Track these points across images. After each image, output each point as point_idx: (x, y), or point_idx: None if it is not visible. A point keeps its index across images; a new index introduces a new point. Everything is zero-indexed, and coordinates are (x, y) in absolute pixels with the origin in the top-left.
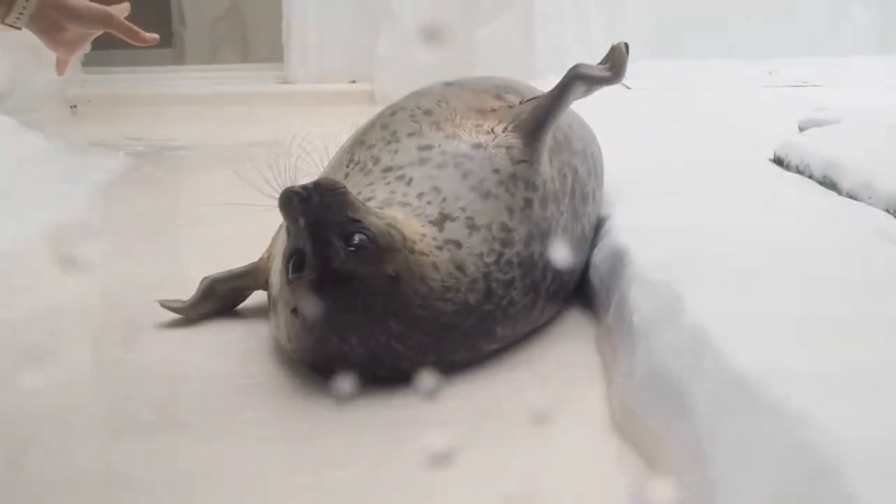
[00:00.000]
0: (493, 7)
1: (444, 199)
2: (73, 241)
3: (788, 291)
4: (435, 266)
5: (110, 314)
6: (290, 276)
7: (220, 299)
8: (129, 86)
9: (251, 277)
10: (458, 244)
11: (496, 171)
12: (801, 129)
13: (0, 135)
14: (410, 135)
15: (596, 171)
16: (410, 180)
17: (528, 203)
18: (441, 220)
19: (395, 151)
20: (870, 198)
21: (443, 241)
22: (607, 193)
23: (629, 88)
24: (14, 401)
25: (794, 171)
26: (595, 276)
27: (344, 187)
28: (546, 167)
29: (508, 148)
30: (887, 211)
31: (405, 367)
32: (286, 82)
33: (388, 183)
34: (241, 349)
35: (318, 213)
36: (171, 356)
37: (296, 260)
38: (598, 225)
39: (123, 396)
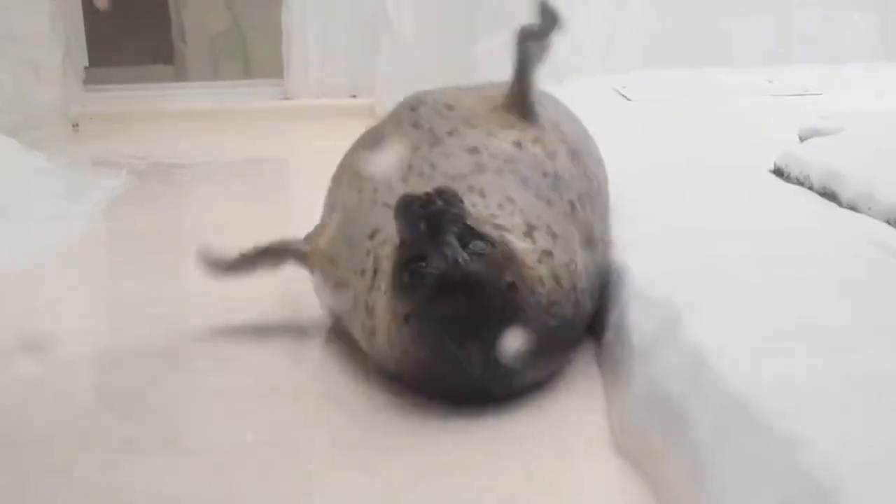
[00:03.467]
0: (493, 20)
1: (521, 210)
2: (76, 260)
3: (788, 306)
4: (541, 279)
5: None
6: (405, 281)
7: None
8: (131, 103)
9: (302, 261)
10: (551, 255)
11: (545, 174)
12: (802, 139)
13: (1, 154)
14: (450, 134)
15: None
16: (482, 191)
17: (572, 205)
18: (530, 231)
19: (447, 156)
20: (870, 209)
21: (539, 252)
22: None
23: (629, 100)
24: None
25: (794, 182)
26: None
27: (459, 195)
28: (568, 163)
29: (539, 142)
30: (887, 222)
31: (513, 383)
32: (287, 98)
33: (462, 194)
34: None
35: (440, 218)
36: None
37: (411, 268)
38: None
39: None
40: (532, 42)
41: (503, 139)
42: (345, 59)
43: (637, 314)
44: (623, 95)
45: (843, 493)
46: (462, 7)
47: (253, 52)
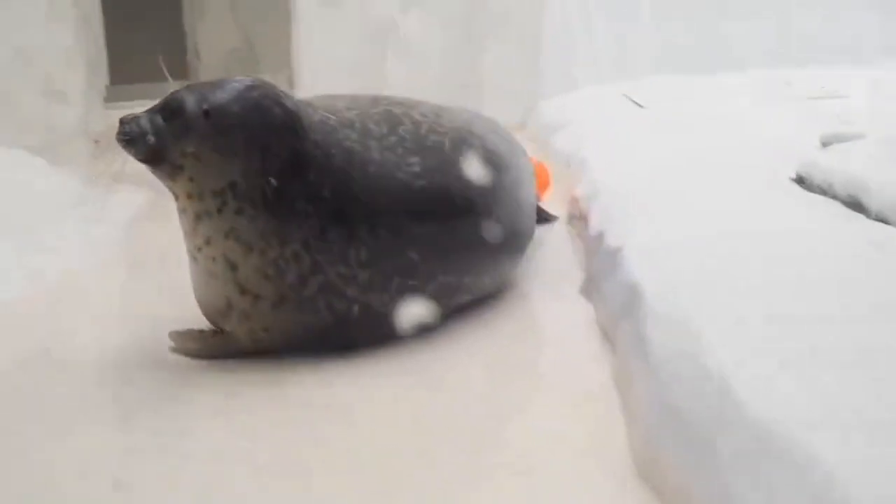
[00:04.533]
0: (500, 30)
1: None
2: (99, 276)
3: (813, 328)
4: None
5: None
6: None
7: None
8: None
9: None
10: None
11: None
12: (824, 145)
13: (25, 173)
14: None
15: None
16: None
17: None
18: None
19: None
20: None
21: None
22: (621, 217)
23: (642, 107)
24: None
25: (816, 191)
26: (610, 305)
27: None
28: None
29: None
30: None
31: None
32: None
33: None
34: None
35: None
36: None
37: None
38: (611, 250)
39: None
40: None
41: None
42: (353, 70)
43: (654, 331)
44: (634, 101)
45: None
46: (467, 18)
47: (265, 68)
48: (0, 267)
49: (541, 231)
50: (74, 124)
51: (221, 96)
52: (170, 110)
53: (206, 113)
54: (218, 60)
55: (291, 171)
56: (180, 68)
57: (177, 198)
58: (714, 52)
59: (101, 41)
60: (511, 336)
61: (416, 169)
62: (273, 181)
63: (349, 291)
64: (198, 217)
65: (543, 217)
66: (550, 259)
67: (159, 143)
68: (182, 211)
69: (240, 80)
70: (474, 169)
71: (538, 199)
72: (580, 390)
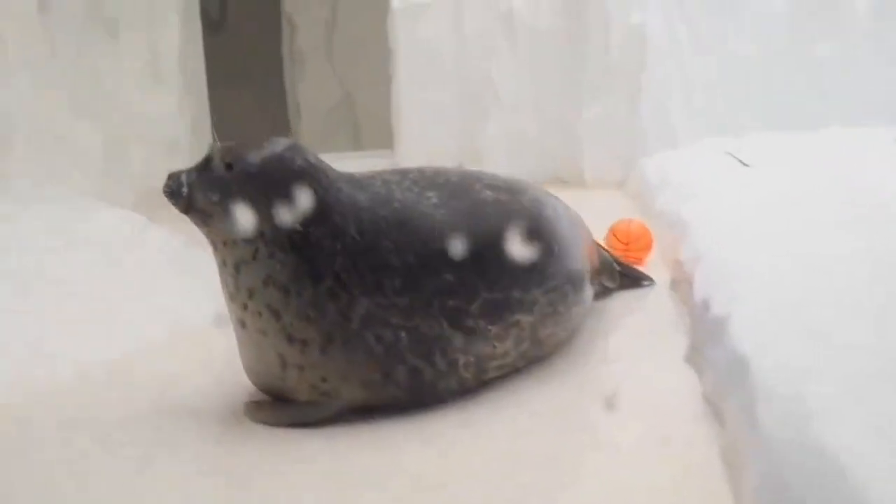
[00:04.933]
0: (599, 87)
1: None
2: (202, 334)
3: None
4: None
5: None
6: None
7: None
8: None
9: None
10: None
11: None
12: None
13: (128, 232)
14: None
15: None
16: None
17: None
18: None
19: None
20: None
21: None
22: (727, 283)
23: (746, 166)
24: None
25: None
26: (716, 376)
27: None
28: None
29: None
30: None
31: None
32: (397, 167)
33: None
34: None
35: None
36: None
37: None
38: (717, 318)
39: None
40: None
41: None
42: (452, 128)
43: (764, 409)
44: (739, 160)
45: None
46: (566, 75)
47: (364, 124)
48: (106, 325)
49: (639, 295)
50: None
51: (245, 150)
52: (201, 164)
53: (229, 165)
54: (318, 118)
55: (315, 216)
56: (282, 127)
57: (215, 248)
58: (818, 108)
59: (205, 101)
60: (599, 411)
61: (435, 200)
62: (299, 228)
63: (393, 319)
64: (237, 267)
65: (638, 279)
66: (652, 323)
67: (190, 193)
68: (222, 264)
69: (270, 140)
70: (487, 193)
71: (638, 261)
72: (684, 465)
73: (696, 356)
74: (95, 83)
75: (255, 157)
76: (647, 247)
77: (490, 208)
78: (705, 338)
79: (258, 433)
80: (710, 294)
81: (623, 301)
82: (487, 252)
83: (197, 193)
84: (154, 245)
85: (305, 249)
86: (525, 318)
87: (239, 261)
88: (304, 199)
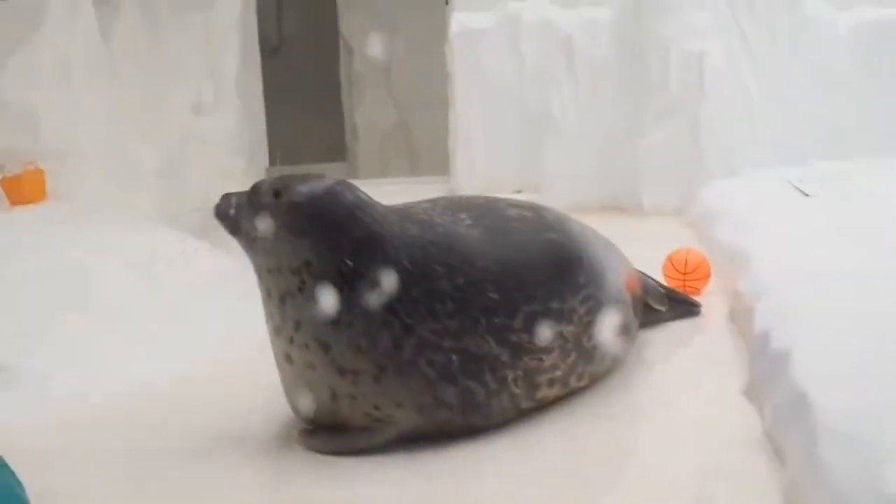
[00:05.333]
0: (659, 114)
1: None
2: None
3: None
4: None
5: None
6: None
7: None
8: None
9: None
10: None
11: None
12: None
13: (192, 257)
14: None
15: None
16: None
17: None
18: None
19: None
20: None
21: None
22: (788, 317)
23: (807, 196)
24: None
25: None
26: (776, 412)
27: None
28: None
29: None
30: None
31: None
32: (453, 194)
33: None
34: None
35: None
36: None
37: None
38: (777, 353)
39: None
40: None
41: None
42: (509, 155)
43: (827, 449)
44: (799, 189)
45: None
46: (626, 104)
47: (421, 149)
48: (163, 347)
49: (696, 325)
50: None
51: (294, 181)
52: (252, 189)
53: (277, 193)
54: (375, 142)
55: (367, 249)
56: (338, 150)
57: (260, 276)
58: (881, 137)
59: (263, 125)
60: (663, 438)
61: (468, 221)
62: (349, 262)
63: (445, 343)
64: (282, 299)
65: (687, 303)
66: (708, 354)
67: (237, 215)
68: (267, 295)
69: (319, 175)
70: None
71: (695, 291)
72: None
73: (755, 390)
74: (155, 106)
75: (304, 187)
76: (706, 277)
77: (518, 224)
78: (765, 372)
79: (311, 461)
80: (770, 327)
81: (678, 331)
82: (522, 266)
83: (243, 217)
84: (208, 268)
85: (357, 281)
86: (566, 329)
87: (284, 292)
88: (357, 232)
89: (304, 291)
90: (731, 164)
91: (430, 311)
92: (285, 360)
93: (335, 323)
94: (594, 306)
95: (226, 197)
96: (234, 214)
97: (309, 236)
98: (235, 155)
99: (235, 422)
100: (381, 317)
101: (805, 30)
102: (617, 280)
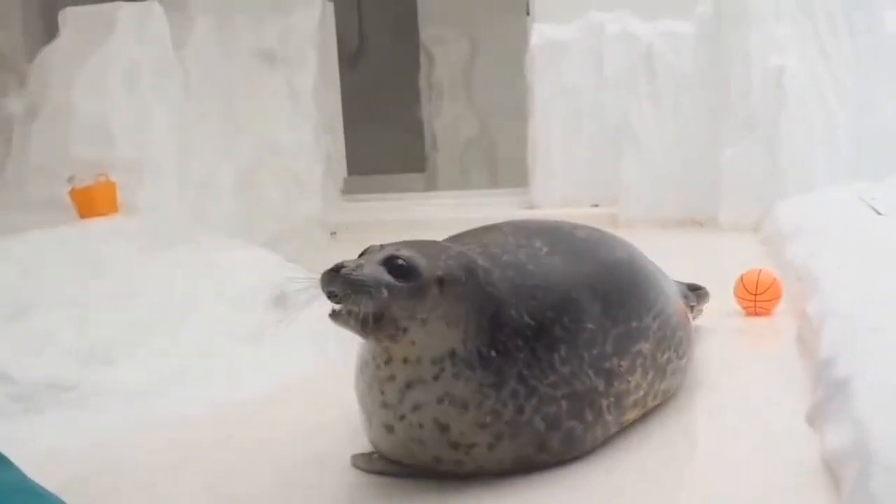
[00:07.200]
0: (739, 128)
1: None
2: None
3: None
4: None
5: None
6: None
7: None
8: (384, 212)
9: None
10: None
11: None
12: None
13: (264, 271)
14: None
15: None
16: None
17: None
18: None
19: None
20: None
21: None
22: (854, 343)
23: (879, 214)
24: None
25: None
26: (834, 442)
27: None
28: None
29: None
30: None
31: None
32: (531, 207)
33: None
34: None
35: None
36: None
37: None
38: (839, 379)
39: None
40: None
41: None
42: (587, 169)
43: (880, 485)
44: (873, 208)
45: None
46: (706, 117)
47: (501, 159)
48: (240, 367)
49: (765, 347)
50: (313, 215)
51: (450, 264)
52: (402, 270)
53: (440, 281)
54: (455, 151)
55: (497, 321)
56: (418, 159)
57: (386, 362)
58: None
59: (341, 136)
60: (722, 461)
61: (546, 249)
62: (493, 352)
63: (559, 393)
64: (409, 385)
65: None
66: (775, 377)
67: (392, 300)
68: (388, 378)
69: (443, 247)
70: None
71: (766, 312)
72: None
73: (817, 416)
74: (229, 117)
75: (460, 272)
76: (776, 297)
77: (589, 245)
78: (827, 398)
79: (371, 484)
80: (835, 352)
81: (745, 352)
82: (605, 289)
83: (401, 302)
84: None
85: (494, 360)
86: (645, 346)
87: (415, 380)
88: (490, 309)
89: (440, 379)
90: (809, 181)
91: (549, 365)
92: (384, 428)
93: (464, 406)
94: (664, 321)
95: (357, 268)
96: (387, 297)
97: (462, 326)
98: (313, 165)
99: (318, 445)
100: (510, 388)
101: (885, 46)
102: (674, 294)
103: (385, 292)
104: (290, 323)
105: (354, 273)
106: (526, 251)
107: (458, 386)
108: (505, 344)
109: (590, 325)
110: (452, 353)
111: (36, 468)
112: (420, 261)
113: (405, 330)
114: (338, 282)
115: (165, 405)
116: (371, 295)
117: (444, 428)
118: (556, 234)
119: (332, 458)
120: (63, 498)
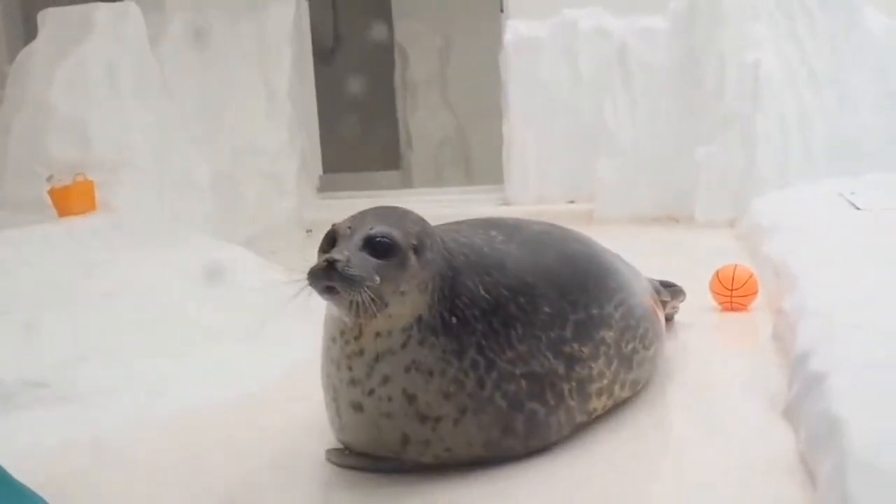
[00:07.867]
0: (715, 124)
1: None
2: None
3: None
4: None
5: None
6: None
7: None
8: (360, 209)
9: None
10: None
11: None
12: None
13: (244, 271)
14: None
15: None
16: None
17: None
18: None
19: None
20: None
21: None
22: (830, 339)
23: (858, 209)
24: None
25: None
26: (809, 436)
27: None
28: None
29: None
30: None
31: None
32: (507, 203)
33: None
34: None
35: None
36: None
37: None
38: (815, 375)
39: None
40: None
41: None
42: (563, 166)
43: (854, 480)
44: (851, 202)
45: None
46: (681, 114)
47: (476, 157)
48: (220, 366)
49: (740, 343)
50: (289, 213)
51: (416, 229)
52: (381, 248)
53: (415, 249)
54: (430, 148)
55: (454, 290)
56: (393, 157)
57: (356, 338)
58: None
59: (316, 134)
60: (697, 455)
61: (501, 237)
62: (454, 318)
63: (517, 369)
64: (377, 358)
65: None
66: (751, 373)
67: (383, 281)
68: (356, 354)
69: (403, 212)
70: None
71: (742, 308)
72: None
73: (793, 411)
74: (206, 116)
75: (427, 239)
76: (753, 293)
77: (546, 237)
78: (802, 394)
79: (347, 479)
80: (811, 348)
81: (722, 348)
82: (563, 276)
83: (389, 281)
84: (267, 285)
85: (454, 326)
86: (608, 335)
87: (385, 351)
88: (449, 274)
89: (407, 347)
90: (786, 177)
91: (507, 340)
92: (352, 408)
93: (429, 373)
94: (627, 311)
95: (345, 259)
96: (379, 283)
97: (429, 291)
98: (288, 163)
99: (295, 444)
100: (470, 358)
101: (862, 42)
102: (640, 286)
103: (377, 279)
104: (274, 322)
105: (349, 268)
106: (482, 237)
107: (423, 353)
108: (464, 312)
109: (546, 309)
110: (419, 319)
111: (16, 465)
112: (395, 234)
113: (387, 304)
114: (336, 278)
115: (144, 404)
116: (367, 287)
117: (411, 398)
118: (513, 227)
119: (308, 455)
120: (42, 495)
